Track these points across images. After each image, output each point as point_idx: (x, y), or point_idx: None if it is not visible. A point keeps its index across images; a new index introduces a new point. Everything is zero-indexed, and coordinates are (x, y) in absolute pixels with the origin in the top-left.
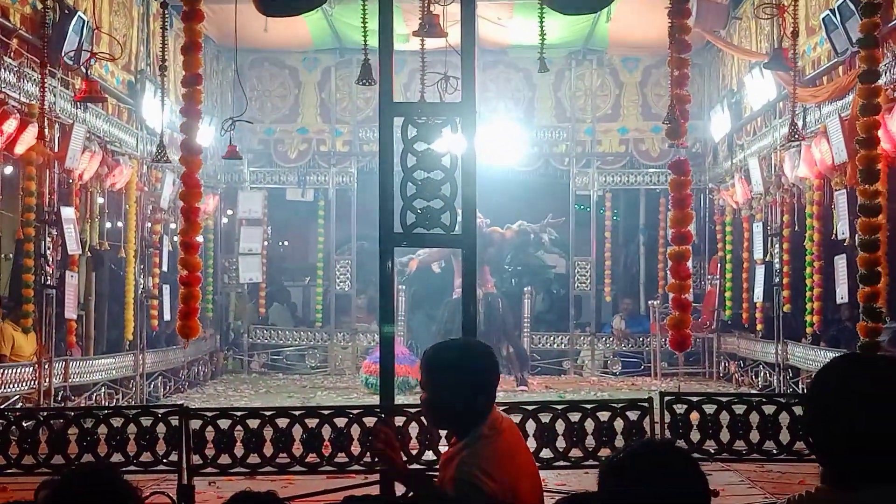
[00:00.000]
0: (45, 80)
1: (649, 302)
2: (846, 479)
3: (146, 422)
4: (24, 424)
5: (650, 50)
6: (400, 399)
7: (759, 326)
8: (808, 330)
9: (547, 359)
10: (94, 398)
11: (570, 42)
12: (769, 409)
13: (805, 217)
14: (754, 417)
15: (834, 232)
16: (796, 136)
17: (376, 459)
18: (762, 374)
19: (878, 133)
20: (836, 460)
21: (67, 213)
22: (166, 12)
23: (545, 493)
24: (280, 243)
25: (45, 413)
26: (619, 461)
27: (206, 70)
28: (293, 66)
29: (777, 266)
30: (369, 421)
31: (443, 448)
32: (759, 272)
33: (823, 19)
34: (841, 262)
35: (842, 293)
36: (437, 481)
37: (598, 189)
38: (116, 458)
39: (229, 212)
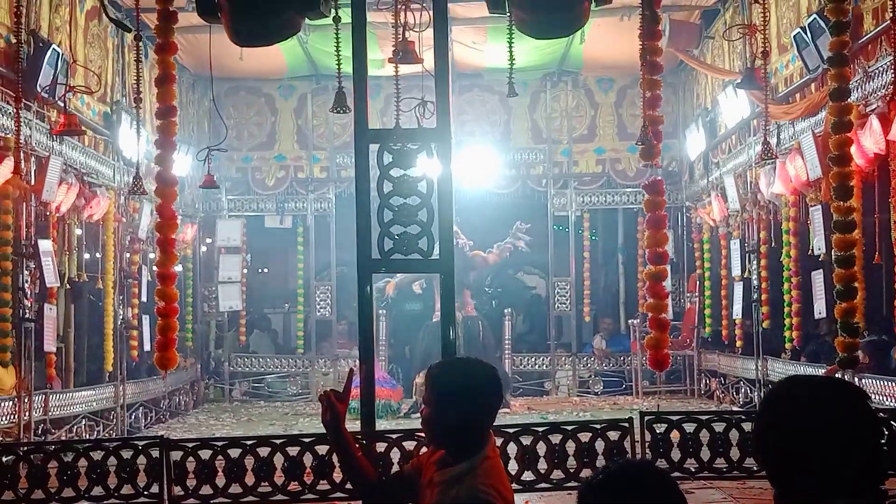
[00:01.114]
0: (21, 113)
1: (629, 321)
2: (794, 498)
3: (126, 454)
4: (4, 459)
5: (624, 70)
6: (381, 424)
7: (738, 343)
8: (788, 345)
9: (528, 380)
10: (74, 431)
11: (544, 64)
12: (748, 427)
13: (782, 233)
14: (734, 435)
15: (810, 247)
16: (770, 153)
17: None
18: (743, 390)
19: (851, 149)
20: (783, 479)
21: (45, 245)
22: (140, 44)
23: None
24: (260, 270)
25: (25, 447)
26: (596, 482)
27: (181, 99)
28: (269, 93)
29: (755, 282)
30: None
31: None
32: (738, 289)
33: (794, 37)
34: (818, 278)
35: (819, 308)
36: (425, 498)
37: (576, 209)
38: (97, 491)
39: (208, 240)
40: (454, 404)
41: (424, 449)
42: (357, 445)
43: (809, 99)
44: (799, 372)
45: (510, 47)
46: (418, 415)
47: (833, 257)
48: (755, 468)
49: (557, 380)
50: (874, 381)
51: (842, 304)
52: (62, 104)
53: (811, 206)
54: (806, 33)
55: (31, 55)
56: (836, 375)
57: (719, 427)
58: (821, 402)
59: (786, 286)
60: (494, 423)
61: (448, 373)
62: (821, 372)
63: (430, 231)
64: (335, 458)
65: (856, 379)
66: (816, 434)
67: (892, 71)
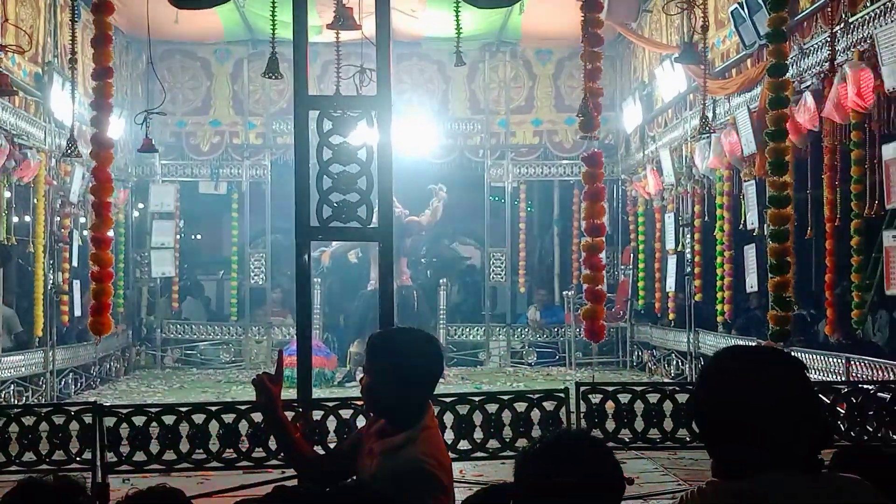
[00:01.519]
0: None
1: (564, 292)
2: (732, 469)
3: (59, 420)
4: None
5: (563, 42)
6: (316, 392)
7: (671, 315)
8: (719, 319)
9: (463, 350)
10: (2, 396)
11: (483, 34)
12: (682, 398)
13: (715, 208)
14: (668, 406)
15: (743, 222)
16: (707, 128)
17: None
18: (674, 362)
19: (787, 125)
20: (723, 450)
21: None
22: (75, 3)
23: (464, 485)
24: (193, 237)
25: None
26: (534, 451)
27: (115, 62)
28: (205, 57)
29: (688, 256)
30: (287, 416)
31: None
32: (671, 262)
33: (732, 12)
34: (750, 252)
35: (751, 282)
36: (372, 475)
37: (513, 180)
38: (28, 457)
39: (141, 205)
40: (396, 374)
41: (362, 421)
42: (293, 424)
43: (745, 74)
44: (730, 345)
45: (457, 14)
46: (352, 383)
47: (767, 231)
48: (688, 439)
49: (491, 350)
50: (801, 355)
51: (774, 278)
52: None
53: (745, 181)
54: (743, 9)
55: None
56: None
57: (653, 398)
58: (757, 373)
59: (718, 260)
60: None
61: (390, 342)
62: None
63: (370, 199)
64: None
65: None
66: (752, 405)
67: (827, 48)
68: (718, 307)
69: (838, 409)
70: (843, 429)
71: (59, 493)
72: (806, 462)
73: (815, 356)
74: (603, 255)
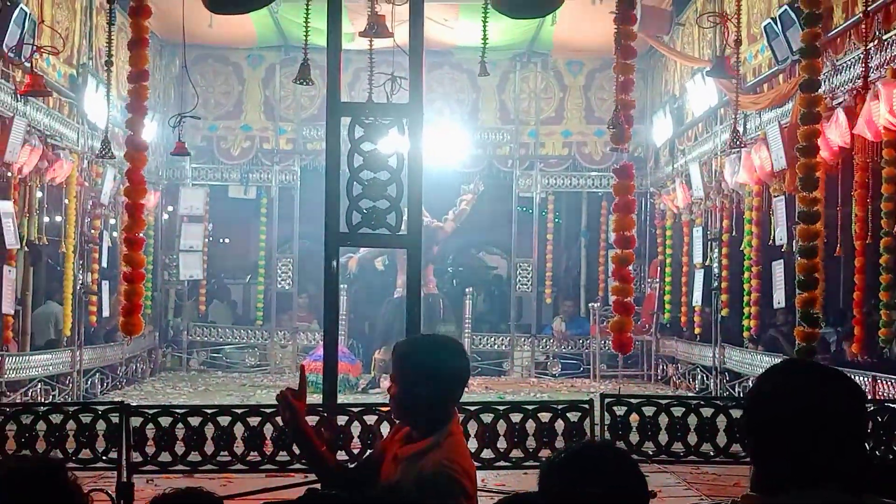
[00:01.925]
0: None
1: (590, 304)
2: (773, 484)
3: (86, 418)
4: None
5: (594, 53)
6: (339, 398)
7: (697, 330)
8: (746, 334)
9: (487, 360)
10: (30, 394)
11: (514, 44)
12: (707, 412)
13: (744, 222)
14: (692, 420)
15: (772, 237)
16: (738, 142)
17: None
18: (699, 377)
19: (818, 141)
20: (767, 465)
21: (5, 206)
22: (112, 6)
23: (486, 493)
24: (221, 240)
25: None
26: (559, 461)
27: (149, 65)
28: (237, 62)
29: (716, 270)
30: (312, 420)
31: None
32: (698, 276)
33: (765, 27)
34: (778, 268)
35: (779, 298)
36: (397, 481)
37: (541, 191)
38: (55, 454)
39: (170, 208)
40: (422, 380)
41: (386, 427)
42: (318, 431)
43: (777, 90)
44: (755, 361)
45: (485, 24)
46: (376, 390)
47: (796, 247)
48: (712, 453)
49: (515, 360)
50: None
51: (802, 294)
52: (28, 64)
53: (774, 196)
54: (776, 24)
55: None
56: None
57: (678, 412)
58: (813, 389)
59: (746, 275)
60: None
61: (417, 349)
62: (776, 361)
63: (399, 206)
64: None
65: None
66: (804, 420)
67: (860, 65)
68: (745, 322)
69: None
70: (868, 447)
71: (41, 475)
72: (849, 482)
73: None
74: (631, 267)
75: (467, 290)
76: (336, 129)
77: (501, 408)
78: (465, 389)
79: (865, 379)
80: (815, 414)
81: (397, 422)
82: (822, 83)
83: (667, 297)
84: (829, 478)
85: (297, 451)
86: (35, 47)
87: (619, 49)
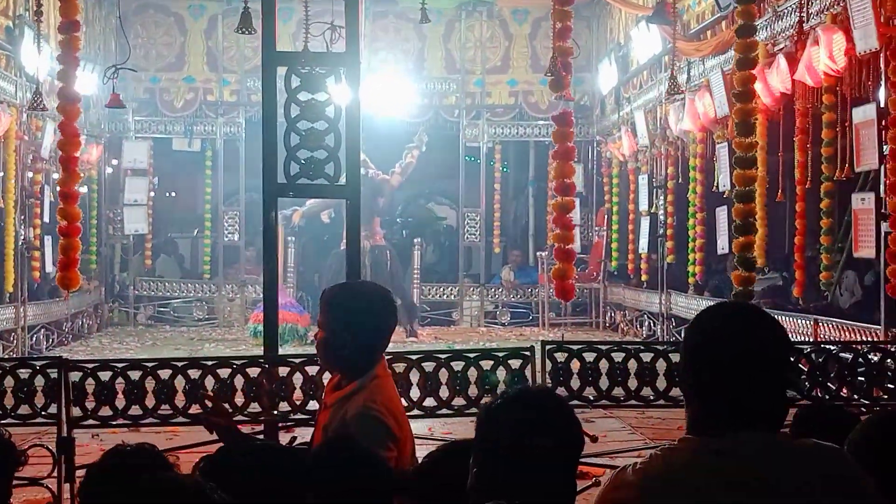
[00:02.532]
0: None
1: (538, 253)
2: (711, 425)
3: (24, 374)
4: None
5: (539, 2)
6: (287, 348)
7: (643, 277)
8: (691, 280)
9: (436, 310)
10: None
11: None
12: (647, 357)
13: (689, 169)
14: (633, 365)
15: (715, 184)
16: (677, 89)
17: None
18: (647, 323)
19: (757, 88)
20: (704, 406)
21: None
22: None
23: (432, 441)
24: (167, 194)
25: None
26: (494, 407)
27: (87, 16)
28: (179, 13)
29: (661, 218)
30: (253, 371)
31: None
32: (645, 224)
33: None
34: (722, 214)
35: (723, 244)
36: (324, 426)
37: (488, 141)
38: None
39: (114, 162)
40: (347, 326)
41: (328, 377)
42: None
43: (720, 37)
44: (701, 306)
45: None
46: None
47: (734, 192)
48: (651, 397)
49: (465, 310)
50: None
51: (740, 238)
52: None
53: (718, 143)
54: None
55: None
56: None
57: (619, 357)
58: (730, 328)
59: (691, 222)
60: (400, 351)
61: (342, 295)
62: None
63: (337, 156)
64: (237, 382)
65: None
66: (724, 359)
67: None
68: (690, 269)
69: (802, 367)
70: (805, 388)
71: None
72: (776, 424)
73: (784, 318)
74: (576, 216)
75: (416, 240)
76: (272, 79)
77: (443, 356)
78: (414, 340)
79: (808, 322)
80: (751, 357)
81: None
82: (764, 29)
83: (614, 245)
84: (762, 420)
85: (238, 402)
86: None
87: None
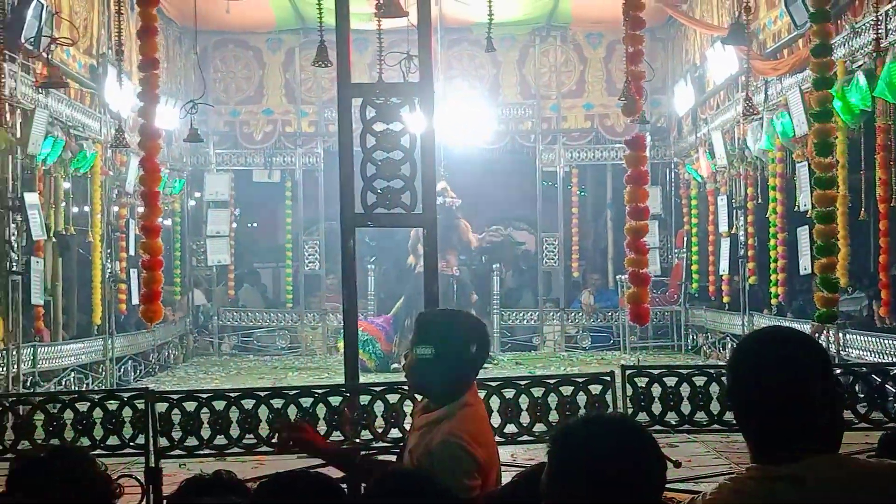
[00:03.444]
0: (5, 66)
1: (617, 277)
2: (774, 452)
3: (112, 406)
4: None
5: (613, 25)
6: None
7: (725, 299)
8: (774, 301)
9: (517, 335)
10: (63, 383)
11: (534, 18)
12: None
13: (768, 189)
14: (714, 389)
15: (796, 204)
16: (752, 110)
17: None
18: (729, 345)
19: (836, 106)
20: (762, 434)
21: (31, 198)
22: None
23: (515, 468)
24: (248, 225)
25: (11, 399)
26: (566, 431)
27: (168, 52)
28: (257, 46)
29: (742, 238)
30: (335, 400)
31: (408, 425)
32: (725, 245)
33: None
34: (804, 234)
35: (805, 264)
36: (410, 450)
37: (565, 165)
38: (83, 442)
39: (196, 194)
40: (439, 351)
41: (409, 406)
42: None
43: (797, 55)
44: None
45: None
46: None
47: (814, 213)
48: (734, 422)
49: (545, 335)
50: (857, 338)
51: (821, 259)
52: (46, 56)
53: (797, 162)
54: None
55: (15, 6)
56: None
57: (700, 381)
58: (766, 355)
59: (772, 242)
60: (480, 378)
61: (436, 320)
62: (807, 328)
63: (414, 185)
64: (319, 411)
65: (840, 334)
66: (767, 387)
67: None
68: (773, 290)
69: (888, 388)
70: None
71: (66, 464)
72: (829, 443)
73: (870, 339)
74: (654, 238)
75: (495, 266)
76: (347, 111)
77: (523, 382)
78: (495, 365)
79: (894, 343)
80: (799, 381)
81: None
82: (842, 46)
83: (694, 267)
84: (823, 443)
85: (321, 430)
86: (51, 38)
87: (628, 20)
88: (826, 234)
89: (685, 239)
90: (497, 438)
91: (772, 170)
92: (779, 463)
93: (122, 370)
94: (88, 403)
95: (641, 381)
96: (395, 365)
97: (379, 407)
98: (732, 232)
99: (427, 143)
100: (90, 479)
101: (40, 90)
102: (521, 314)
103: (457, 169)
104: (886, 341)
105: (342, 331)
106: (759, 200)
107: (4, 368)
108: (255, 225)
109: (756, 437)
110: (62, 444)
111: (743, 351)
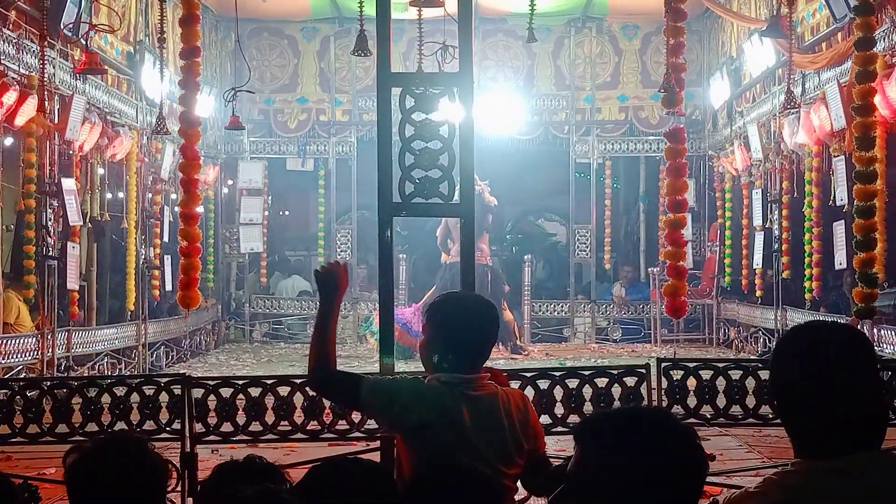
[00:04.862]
0: (45, 52)
1: (649, 269)
2: (821, 447)
3: (149, 391)
4: (29, 394)
5: (649, 17)
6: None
7: (758, 293)
8: (808, 296)
9: (548, 326)
10: (96, 368)
11: (569, 9)
12: (765, 375)
13: (804, 184)
14: (750, 382)
15: (832, 198)
16: (793, 103)
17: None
18: (761, 339)
19: (875, 100)
20: (807, 428)
21: (68, 184)
22: None
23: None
24: (281, 213)
25: (49, 382)
26: (597, 423)
27: (204, 40)
28: (292, 35)
29: (776, 232)
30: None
31: None
32: (759, 239)
33: None
34: (839, 229)
35: (840, 259)
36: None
37: (598, 157)
38: (120, 426)
39: (230, 182)
40: (437, 331)
41: None
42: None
43: (835, 48)
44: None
45: None
46: None
47: (854, 207)
48: (770, 416)
49: (576, 327)
50: (891, 332)
51: (861, 254)
52: (85, 43)
53: (834, 156)
54: None
55: None
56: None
57: (735, 375)
58: (816, 349)
59: (807, 237)
60: (514, 368)
61: (440, 302)
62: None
63: (451, 175)
64: None
65: (874, 329)
66: (814, 382)
67: None
68: (807, 284)
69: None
70: None
71: (131, 449)
72: (874, 437)
73: None
74: (688, 231)
75: (526, 257)
76: (386, 100)
77: (558, 373)
78: (525, 356)
79: None
80: (845, 375)
81: None
82: (882, 40)
83: (727, 261)
84: (869, 437)
85: (356, 419)
86: (90, 25)
87: (669, 11)
88: (866, 229)
89: (718, 232)
90: None
91: (808, 164)
92: (823, 457)
93: (154, 356)
94: (126, 388)
95: (677, 374)
96: None
97: None
98: (767, 226)
99: (465, 133)
100: (151, 466)
101: (78, 76)
102: (552, 305)
103: (490, 159)
104: None
105: (367, 320)
106: (795, 194)
107: (39, 352)
108: (286, 213)
109: (800, 431)
110: (119, 432)
111: (788, 343)
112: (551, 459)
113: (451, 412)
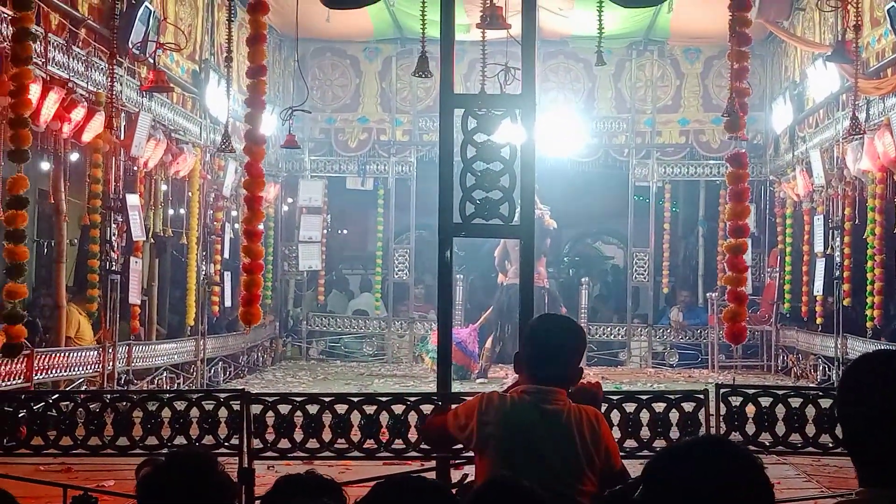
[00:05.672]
0: (113, 70)
1: (707, 294)
2: (883, 477)
3: (208, 406)
4: (91, 406)
5: (711, 41)
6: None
7: (818, 320)
8: (869, 324)
9: (604, 350)
10: (155, 382)
11: (631, 33)
12: (826, 403)
13: (867, 210)
14: (810, 411)
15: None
16: (858, 129)
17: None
18: (821, 368)
19: None
20: (873, 459)
21: (132, 199)
22: (232, 2)
23: None
24: (339, 231)
25: (111, 395)
26: (668, 454)
27: (268, 59)
28: (354, 55)
29: (838, 259)
30: (426, 409)
31: None
32: (820, 265)
33: (888, 11)
34: None
35: None
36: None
37: (658, 180)
38: (179, 440)
39: (290, 200)
40: (524, 342)
41: None
42: None
43: None
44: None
45: (600, 14)
46: (481, 380)
47: None
48: (830, 445)
49: (632, 350)
50: None
51: None
52: (152, 61)
53: None
54: None
55: (123, 12)
56: None
57: (795, 402)
58: (890, 380)
59: (869, 264)
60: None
61: (533, 319)
62: None
63: (512, 197)
64: (411, 418)
65: None
66: (886, 410)
67: None
68: (868, 312)
69: None
70: None
71: (200, 466)
72: None
73: None
74: (748, 257)
75: (583, 279)
76: (449, 121)
77: (615, 397)
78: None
79: None
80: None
81: None
82: None
83: (787, 287)
84: None
85: (412, 438)
86: (157, 44)
87: (734, 36)
88: None
89: (778, 258)
90: None
91: (871, 190)
92: (888, 486)
93: (212, 371)
94: (186, 402)
95: (735, 401)
96: (482, 379)
97: None
98: (828, 252)
99: (527, 155)
100: (218, 483)
101: (144, 94)
102: (609, 329)
103: (548, 180)
104: None
105: (423, 339)
106: (857, 221)
107: (100, 366)
108: (345, 232)
109: (866, 459)
110: (190, 447)
111: (856, 370)
112: None
113: (521, 425)
